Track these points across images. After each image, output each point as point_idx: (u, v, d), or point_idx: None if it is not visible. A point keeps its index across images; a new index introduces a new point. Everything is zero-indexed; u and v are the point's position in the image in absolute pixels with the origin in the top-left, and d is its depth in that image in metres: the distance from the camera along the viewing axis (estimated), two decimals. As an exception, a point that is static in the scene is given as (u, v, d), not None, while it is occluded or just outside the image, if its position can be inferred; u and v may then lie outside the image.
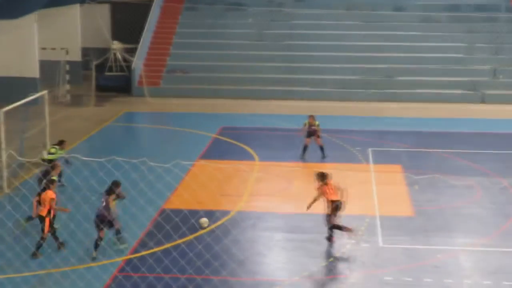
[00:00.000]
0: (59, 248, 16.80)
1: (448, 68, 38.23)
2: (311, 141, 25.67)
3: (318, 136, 25.71)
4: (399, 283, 15.67)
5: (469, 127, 31.37)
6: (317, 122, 25.67)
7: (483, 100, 36.06)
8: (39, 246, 16.64)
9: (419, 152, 26.86)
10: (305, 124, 25.75)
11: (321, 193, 17.76)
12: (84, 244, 16.71)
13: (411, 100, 36.32)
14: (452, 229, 19.07)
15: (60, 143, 22.13)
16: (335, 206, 17.59)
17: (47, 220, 16.65)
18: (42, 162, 21.43)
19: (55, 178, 18.34)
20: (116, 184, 17.01)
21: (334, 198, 17.59)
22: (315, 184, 18.06)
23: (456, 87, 37.14)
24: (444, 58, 38.85)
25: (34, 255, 16.46)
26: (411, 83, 37.54)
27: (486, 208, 20.73)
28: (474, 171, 24.08)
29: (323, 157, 25.64)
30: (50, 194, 16.78)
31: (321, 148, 25.77)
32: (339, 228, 17.64)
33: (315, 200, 17.87)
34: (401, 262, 16.85)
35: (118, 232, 16.85)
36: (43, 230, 16.62)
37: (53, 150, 21.82)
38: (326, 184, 17.83)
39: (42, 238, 16.61)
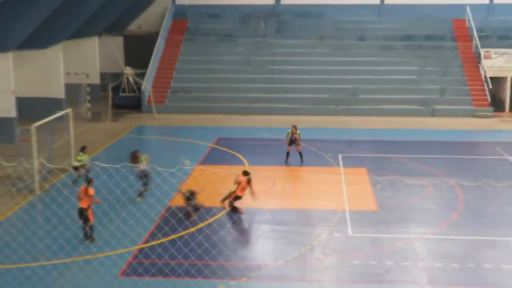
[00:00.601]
0: (91, 240, 16.79)
1: (403, 87, 38.34)
2: (292, 148, 25.69)
3: (298, 144, 25.74)
4: (365, 266, 15.69)
5: (421, 136, 31.46)
6: (298, 132, 25.69)
7: (433, 114, 36.21)
8: (91, 232, 16.88)
9: (381, 157, 26.91)
10: (288, 133, 25.77)
11: (238, 184, 19.38)
12: (103, 236, 16.64)
13: (374, 114, 36.44)
14: (409, 220, 19.10)
15: (83, 149, 22.15)
16: (238, 197, 19.26)
17: (89, 211, 16.95)
18: (72, 169, 21.52)
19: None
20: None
21: (241, 194, 19.29)
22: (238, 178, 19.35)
23: (410, 103, 37.26)
24: (400, 79, 38.96)
25: (92, 240, 16.70)
26: (373, 100, 37.63)
27: (437, 203, 20.79)
28: (427, 173, 24.14)
29: (302, 162, 25.66)
30: (90, 190, 16.99)
31: (300, 154, 25.79)
32: (236, 209, 19.14)
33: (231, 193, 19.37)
34: (367, 248, 16.87)
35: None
36: (87, 219, 16.79)
37: (79, 158, 21.81)
38: (248, 181, 19.45)
39: (90, 226, 16.81)
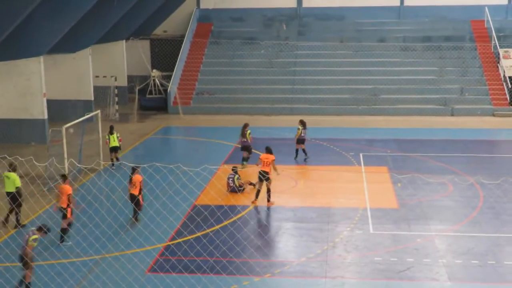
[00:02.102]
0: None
1: (423, 87, 38.00)
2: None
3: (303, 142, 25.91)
4: (386, 263, 15.55)
5: (441, 135, 31.16)
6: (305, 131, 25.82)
7: (452, 113, 35.83)
8: (136, 215, 18.10)
9: (401, 156, 26.69)
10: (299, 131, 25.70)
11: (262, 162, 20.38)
12: (130, 233, 16.69)
13: (394, 114, 36.17)
14: (429, 218, 18.90)
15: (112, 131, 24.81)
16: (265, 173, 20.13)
17: (140, 197, 18.11)
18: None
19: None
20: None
21: (267, 170, 20.19)
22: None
23: (430, 103, 36.91)
24: (420, 80, 38.62)
25: (136, 220, 17.96)
26: (393, 100, 37.36)
27: (457, 201, 20.55)
28: (446, 171, 23.89)
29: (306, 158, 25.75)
30: (138, 177, 18.17)
31: (304, 151, 25.81)
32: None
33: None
34: (388, 245, 16.71)
35: None
36: (137, 204, 18.00)
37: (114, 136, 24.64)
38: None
39: (139, 210, 18.11)
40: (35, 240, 13.60)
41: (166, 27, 45.06)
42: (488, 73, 38.74)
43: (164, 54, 43.36)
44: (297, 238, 17.53)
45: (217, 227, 17.44)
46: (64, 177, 17.34)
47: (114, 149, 24.64)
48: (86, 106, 33.35)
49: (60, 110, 31.77)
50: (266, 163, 20.22)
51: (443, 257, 15.88)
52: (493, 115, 36.07)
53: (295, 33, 43.44)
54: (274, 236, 17.72)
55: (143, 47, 43.60)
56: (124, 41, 41.07)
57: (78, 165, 20.12)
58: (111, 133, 24.65)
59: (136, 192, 18.00)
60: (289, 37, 42.98)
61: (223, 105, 37.95)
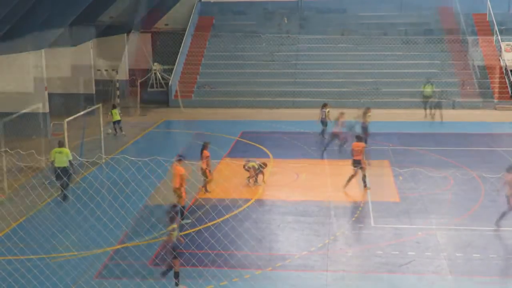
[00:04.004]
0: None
1: (425, 80, 37.89)
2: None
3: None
4: (388, 256, 15.57)
5: (443, 128, 31.15)
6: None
7: (454, 106, 35.75)
8: (205, 186, 20.26)
9: (403, 149, 26.69)
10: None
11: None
12: (137, 224, 16.65)
13: (396, 107, 36.12)
14: (430, 211, 18.92)
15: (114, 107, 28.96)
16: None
17: (207, 171, 20.03)
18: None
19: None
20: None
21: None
22: None
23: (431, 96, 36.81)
24: (422, 73, 38.54)
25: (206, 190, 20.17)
26: (395, 93, 37.31)
27: (458, 194, 20.56)
28: (448, 164, 23.89)
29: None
30: (206, 153, 20.32)
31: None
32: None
33: None
34: (389, 239, 16.74)
35: None
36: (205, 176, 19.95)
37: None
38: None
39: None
40: (174, 229, 13.62)
41: (168, 21, 44.94)
42: (490, 66, 38.67)
43: (166, 47, 43.22)
44: (299, 231, 17.54)
45: (218, 220, 17.46)
46: (179, 157, 18.02)
47: (117, 122, 29.41)
48: (88, 99, 33.35)
49: (61, 103, 31.76)
50: (357, 152, 20.78)
51: (444, 250, 15.90)
52: (495, 108, 36.04)
53: (296, 26, 43.37)
54: (275, 229, 17.73)
55: (144, 41, 43.52)
56: (125, 34, 41.01)
57: (80, 158, 20.14)
58: (113, 108, 29.30)
59: (204, 166, 19.97)
60: (290, 30, 42.92)
61: (224, 98, 37.94)
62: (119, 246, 15.94)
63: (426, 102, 34.06)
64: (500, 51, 38.78)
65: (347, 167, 23.50)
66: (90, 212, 17.02)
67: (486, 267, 15.00)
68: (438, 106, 32.91)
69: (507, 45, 38.61)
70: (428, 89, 34.14)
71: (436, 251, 15.86)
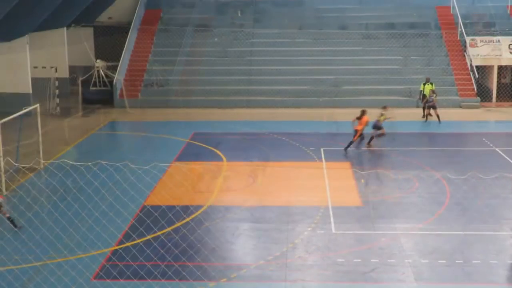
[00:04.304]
0: None
1: (387, 77, 38.49)
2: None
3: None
4: (350, 264, 15.71)
5: (405, 128, 31.61)
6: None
7: (417, 105, 36.30)
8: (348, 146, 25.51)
9: (365, 151, 27.00)
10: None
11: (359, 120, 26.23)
12: (75, 238, 16.48)
13: (356, 106, 36.15)
14: (394, 216, 19.19)
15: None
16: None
17: (358, 133, 25.98)
18: None
19: None
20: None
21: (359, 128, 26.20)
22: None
23: (394, 94, 37.40)
24: (383, 69, 39.11)
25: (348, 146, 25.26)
26: (355, 91, 37.75)
27: (423, 197, 20.91)
28: (412, 166, 24.27)
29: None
30: (366, 118, 25.98)
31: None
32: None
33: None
34: (351, 245, 16.90)
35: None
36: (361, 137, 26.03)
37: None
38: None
39: (353, 141, 26.16)
40: None
41: (111, 14, 44.56)
42: (454, 62, 39.48)
43: (109, 42, 42.81)
44: (255, 239, 17.57)
45: (168, 229, 17.35)
46: (363, 112, 25.74)
47: None
48: (24, 99, 32.76)
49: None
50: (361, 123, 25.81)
51: (409, 257, 16.13)
52: (460, 106, 36.79)
53: (251, 20, 43.50)
54: (230, 237, 17.72)
55: (86, 35, 43.03)
56: (65, 28, 40.45)
57: (15, 163, 19.77)
58: None
59: (358, 128, 24.93)
60: (244, 24, 43.01)
61: (174, 97, 37.76)
62: (59, 260, 15.70)
63: (426, 102, 34.26)
64: (465, 46, 39.60)
65: (305, 170, 23.73)
66: (28, 223, 16.71)
67: (452, 273, 15.28)
68: (433, 106, 32.99)
69: (472, 39, 39.45)
70: (427, 89, 34.33)
71: (400, 257, 16.08)
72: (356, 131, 26.34)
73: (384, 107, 27.92)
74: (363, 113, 26.66)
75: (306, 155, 26.20)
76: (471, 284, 14.71)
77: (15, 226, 17.28)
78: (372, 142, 26.95)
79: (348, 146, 26.33)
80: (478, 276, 15.10)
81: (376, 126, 27.28)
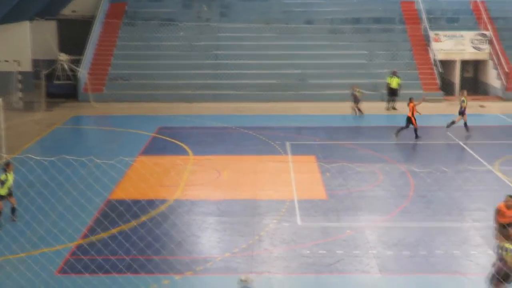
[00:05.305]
0: None
1: (352, 72, 38.74)
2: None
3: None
4: (315, 256, 15.85)
5: (372, 122, 31.93)
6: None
7: (382, 99, 36.61)
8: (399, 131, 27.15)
9: (330, 144, 27.20)
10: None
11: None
12: (38, 232, 16.31)
13: (322, 100, 36.72)
14: (359, 208, 19.38)
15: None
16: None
17: (413, 119, 27.66)
18: None
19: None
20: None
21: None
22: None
23: (360, 88, 37.58)
24: (349, 64, 39.37)
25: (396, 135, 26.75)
26: (321, 85, 37.96)
27: (387, 190, 21.14)
28: (377, 159, 24.52)
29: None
30: (412, 104, 27.37)
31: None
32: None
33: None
34: (316, 238, 17.03)
35: None
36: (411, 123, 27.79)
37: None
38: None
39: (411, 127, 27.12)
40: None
41: (75, 7, 44.03)
42: (418, 56, 39.96)
43: (73, 36, 42.28)
44: (221, 232, 17.62)
45: (134, 223, 17.30)
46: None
47: None
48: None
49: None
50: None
51: (374, 248, 16.33)
52: (423, 100, 37.13)
53: (217, 14, 43.41)
54: (196, 231, 17.73)
55: (49, 29, 42.49)
56: (28, 21, 39.90)
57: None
58: None
59: (409, 114, 27.02)
60: (210, 18, 42.92)
61: (139, 91, 37.55)
62: (22, 255, 15.55)
63: (390, 95, 34.86)
64: (429, 41, 40.08)
65: (271, 163, 23.80)
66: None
67: (416, 264, 15.51)
68: (356, 99, 33.43)
69: (435, 34, 39.93)
70: (394, 82, 34.83)
71: (365, 249, 16.27)
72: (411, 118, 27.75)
73: (410, 99, 28.47)
74: (410, 100, 28.21)
75: (272, 149, 26.29)
76: (435, 275, 14.94)
77: None
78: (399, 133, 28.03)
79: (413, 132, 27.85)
80: (441, 266, 15.34)
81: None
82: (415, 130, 27.71)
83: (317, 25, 42.28)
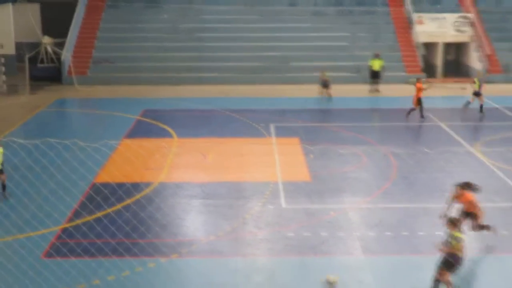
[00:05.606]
0: None
1: (335, 54, 38.71)
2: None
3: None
4: (299, 238, 15.90)
5: (354, 104, 31.97)
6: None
7: (365, 81, 36.62)
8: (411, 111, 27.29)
9: (314, 126, 27.23)
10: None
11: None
12: (24, 216, 16.21)
13: (305, 82, 36.63)
14: (342, 190, 19.45)
15: None
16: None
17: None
18: None
19: None
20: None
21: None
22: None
23: (342, 71, 37.67)
24: (332, 46, 39.32)
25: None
26: (304, 67, 37.88)
27: (370, 172, 21.22)
28: (360, 141, 24.58)
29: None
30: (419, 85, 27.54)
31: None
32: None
33: None
34: (301, 220, 17.08)
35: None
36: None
37: None
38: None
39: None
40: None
41: (58, -11, 43.54)
42: (401, 39, 39.96)
43: (57, 19, 41.81)
44: (206, 215, 17.62)
45: (118, 206, 17.25)
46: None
47: None
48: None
49: None
50: None
51: (357, 229, 16.42)
52: (407, 82, 37.24)
53: (201, -4, 43.15)
54: (181, 214, 17.72)
55: (33, 11, 41.96)
56: (10, 4, 39.36)
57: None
58: None
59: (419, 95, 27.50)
60: (193, 1, 42.64)
61: (124, 74, 37.28)
62: (8, 239, 15.47)
63: (373, 77, 34.94)
64: (412, 23, 40.07)
65: (255, 146, 23.80)
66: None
67: (398, 245, 15.62)
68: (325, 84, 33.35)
69: (418, 16, 39.91)
70: (376, 64, 34.89)
71: (348, 230, 16.35)
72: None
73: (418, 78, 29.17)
74: (417, 80, 28.77)
75: (256, 131, 26.26)
76: (417, 255, 15.05)
77: None
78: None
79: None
80: (423, 247, 15.44)
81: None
82: (413, 109, 28.19)
83: (300, 7, 42.15)
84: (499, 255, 15.25)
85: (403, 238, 15.96)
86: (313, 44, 39.35)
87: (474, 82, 29.41)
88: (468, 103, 29.35)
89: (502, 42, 39.62)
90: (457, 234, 12.69)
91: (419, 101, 28.00)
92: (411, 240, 15.82)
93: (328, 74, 33.69)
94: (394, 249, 15.46)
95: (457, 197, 15.22)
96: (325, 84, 32.63)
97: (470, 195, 15.10)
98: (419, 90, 27.98)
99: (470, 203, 15.10)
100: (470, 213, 15.11)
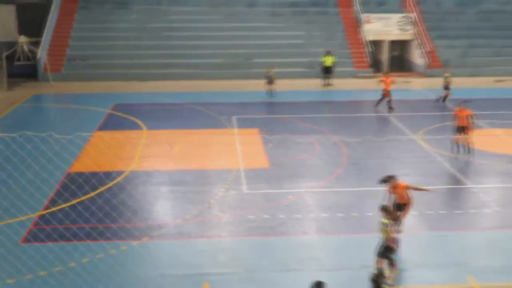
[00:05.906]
0: None
1: (292, 51, 38.80)
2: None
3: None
4: (260, 220, 15.96)
5: (309, 97, 32.11)
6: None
7: (318, 76, 36.76)
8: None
9: (272, 118, 27.28)
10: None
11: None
12: (2, 205, 15.95)
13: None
14: (299, 176, 19.56)
15: None
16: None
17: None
18: None
19: None
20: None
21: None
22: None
23: (298, 66, 37.81)
24: (289, 44, 39.39)
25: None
26: (264, 64, 37.67)
27: (323, 159, 21.36)
28: (314, 131, 24.71)
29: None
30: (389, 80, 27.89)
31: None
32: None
33: None
34: (261, 203, 17.14)
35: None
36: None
37: None
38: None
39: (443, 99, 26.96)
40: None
41: (32, -9, 42.70)
42: (350, 37, 40.22)
43: (32, 19, 41.07)
44: (174, 200, 17.56)
45: (92, 194, 17.07)
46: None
47: None
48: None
49: None
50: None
51: (312, 212, 16.55)
52: (356, 76, 37.60)
53: (167, -2, 42.78)
54: (151, 200, 17.62)
55: (8, 12, 41.15)
56: (-13, 6, 38.56)
57: None
58: None
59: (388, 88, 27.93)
60: (160, 1, 42.26)
61: (96, 71, 36.78)
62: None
63: (325, 72, 35.16)
64: (360, 23, 40.37)
65: (219, 136, 23.77)
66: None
67: (349, 225, 15.79)
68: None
69: (366, 16, 40.23)
70: (328, 60, 35.09)
71: (305, 212, 16.47)
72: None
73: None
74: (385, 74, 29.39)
75: (220, 123, 26.21)
76: (366, 234, 15.21)
77: None
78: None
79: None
80: (371, 226, 15.58)
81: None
82: (383, 100, 28.41)
83: (259, 8, 42.14)
84: (438, 232, 15.53)
85: (353, 218, 16.14)
86: (272, 42, 39.37)
87: (446, 77, 29.72)
88: (441, 97, 29.74)
89: (441, 39, 40.20)
90: (384, 220, 12.74)
91: (388, 93, 28.18)
92: (361, 221, 16.00)
93: (286, 70, 33.74)
94: (345, 229, 15.63)
95: (393, 188, 14.65)
96: (270, 80, 32.29)
97: (403, 184, 14.62)
98: (388, 83, 28.27)
99: (403, 194, 14.52)
100: (401, 205, 14.54)
